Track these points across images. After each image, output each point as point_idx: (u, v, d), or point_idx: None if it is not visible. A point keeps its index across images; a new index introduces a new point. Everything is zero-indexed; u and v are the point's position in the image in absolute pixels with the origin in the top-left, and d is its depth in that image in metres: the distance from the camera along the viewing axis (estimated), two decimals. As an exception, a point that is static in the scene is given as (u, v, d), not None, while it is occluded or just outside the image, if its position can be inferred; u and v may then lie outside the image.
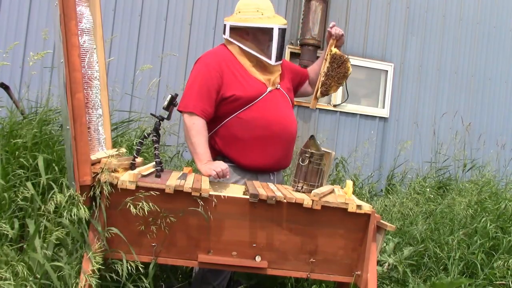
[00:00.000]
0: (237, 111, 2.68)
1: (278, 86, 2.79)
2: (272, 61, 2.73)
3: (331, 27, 2.86)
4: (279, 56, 2.77)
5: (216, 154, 2.73)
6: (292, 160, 2.92)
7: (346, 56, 2.87)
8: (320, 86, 2.87)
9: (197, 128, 2.63)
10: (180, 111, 2.68)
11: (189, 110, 2.63)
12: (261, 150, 2.68)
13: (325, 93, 2.92)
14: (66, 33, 2.01)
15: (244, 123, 2.66)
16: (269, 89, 2.73)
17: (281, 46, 2.78)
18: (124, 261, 2.10)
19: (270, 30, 2.71)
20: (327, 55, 2.86)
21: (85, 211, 2.04)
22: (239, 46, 2.73)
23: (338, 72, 2.84)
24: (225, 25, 2.78)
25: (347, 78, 2.90)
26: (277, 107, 2.73)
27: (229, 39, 2.76)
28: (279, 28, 2.72)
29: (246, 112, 2.67)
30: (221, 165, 2.56)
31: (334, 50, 2.85)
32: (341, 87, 2.97)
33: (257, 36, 2.74)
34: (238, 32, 2.75)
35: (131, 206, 2.09)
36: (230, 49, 2.77)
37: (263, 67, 2.76)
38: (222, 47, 2.82)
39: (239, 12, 2.76)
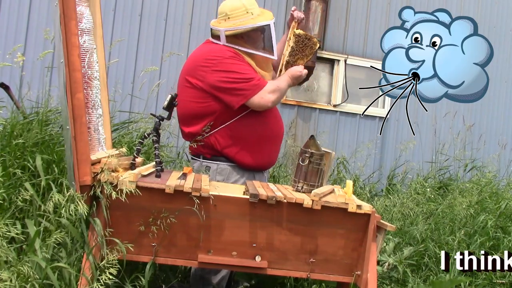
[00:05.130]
0: (243, 112, 2.66)
1: None
2: (275, 56, 2.78)
3: (293, 10, 2.97)
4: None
5: (214, 154, 2.70)
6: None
7: (311, 34, 2.95)
8: (284, 65, 2.92)
9: (270, 86, 2.67)
10: (252, 100, 2.63)
11: (258, 90, 2.63)
12: (262, 149, 2.70)
13: None
14: (66, 33, 2.01)
15: (248, 122, 2.67)
16: None
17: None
18: (124, 261, 2.10)
19: (267, 27, 2.75)
20: (290, 37, 2.94)
21: (83, 207, 2.03)
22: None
23: (304, 49, 2.92)
24: (211, 29, 2.78)
25: (314, 53, 2.99)
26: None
27: (228, 44, 2.72)
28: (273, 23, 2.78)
29: (250, 111, 2.68)
30: (297, 68, 2.81)
31: (298, 31, 2.94)
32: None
33: (252, 36, 2.75)
34: (235, 37, 2.73)
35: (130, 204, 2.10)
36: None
37: (262, 66, 2.79)
38: (224, 46, 2.75)
39: (228, 18, 2.73)
